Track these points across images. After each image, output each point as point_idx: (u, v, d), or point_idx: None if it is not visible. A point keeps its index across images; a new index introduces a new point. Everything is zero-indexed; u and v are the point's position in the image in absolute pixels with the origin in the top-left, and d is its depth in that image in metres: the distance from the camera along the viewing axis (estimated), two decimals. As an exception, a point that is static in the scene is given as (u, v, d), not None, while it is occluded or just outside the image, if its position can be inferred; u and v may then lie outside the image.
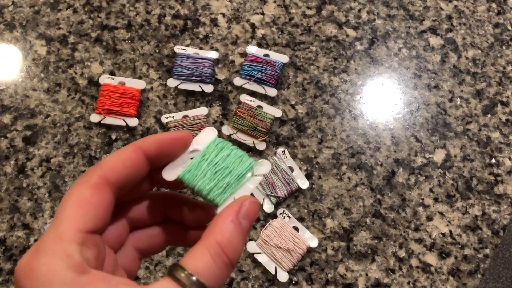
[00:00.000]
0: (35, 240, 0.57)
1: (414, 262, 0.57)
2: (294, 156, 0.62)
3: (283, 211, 0.58)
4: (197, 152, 0.29)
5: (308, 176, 0.61)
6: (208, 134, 0.30)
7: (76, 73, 0.66)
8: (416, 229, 0.59)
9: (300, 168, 0.61)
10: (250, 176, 0.29)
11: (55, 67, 0.66)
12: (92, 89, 0.65)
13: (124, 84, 0.64)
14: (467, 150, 0.63)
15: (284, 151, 0.61)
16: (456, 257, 0.57)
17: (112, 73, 0.66)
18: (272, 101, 0.65)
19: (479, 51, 0.70)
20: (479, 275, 0.57)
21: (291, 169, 0.60)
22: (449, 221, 0.59)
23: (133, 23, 0.69)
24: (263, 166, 0.29)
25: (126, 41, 0.68)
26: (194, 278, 0.23)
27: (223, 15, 0.71)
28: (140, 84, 0.65)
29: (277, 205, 0.59)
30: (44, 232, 0.25)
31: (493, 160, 0.63)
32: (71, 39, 0.68)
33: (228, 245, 0.25)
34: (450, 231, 0.59)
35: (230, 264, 0.25)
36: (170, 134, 0.28)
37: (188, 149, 0.29)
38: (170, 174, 0.29)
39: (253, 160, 0.29)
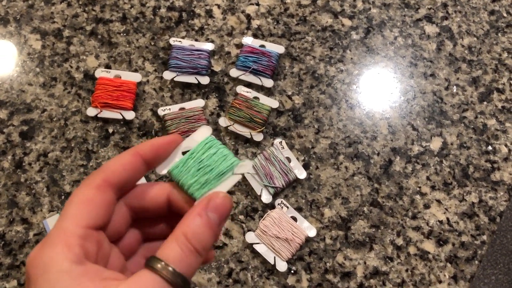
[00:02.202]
0: (34, 235, 0.57)
1: (412, 249, 0.57)
2: (291, 147, 0.62)
3: (281, 201, 0.58)
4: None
5: (306, 166, 0.61)
6: (203, 133, 0.33)
7: (71, 67, 0.66)
8: (414, 217, 0.59)
9: (297, 159, 0.61)
10: (230, 175, 0.31)
11: (50, 61, 0.66)
12: (88, 82, 0.65)
13: (120, 77, 0.64)
14: (463, 137, 0.63)
15: (281, 141, 0.61)
16: (453, 244, 0.58)
17: (107, 67, 0.66)
18: (268, 92, 0.65)
19: (475, 39, 0.70)
20: (476, 262, 0.57)
21: (289, 159, 0.61)
22: (446, 209, 0.59)
23: (128, 15, 0.69)
24: (244, 166, 0.32)
25: (121, 34, 0.68)
26: (170, 268, 0.26)
27: (218, 6, 0.70)
28: (136, 77, 0.65)
29: (275, 196, 0.59)
30: (51, 229, 0.27)
31: (490, 147, 0.63)
32: (66, 33, 0.68)
33: (192, 235, 0.27)
34: (448, 219, 0.59)
35: (196, 252, 0.27)
36: (163, 138, 0.32)
37: (181, 147, 0.32)
38: (161, 168, 0.32)
39: (236, 159, 0.32)
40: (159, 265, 0.26)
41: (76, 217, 0.27)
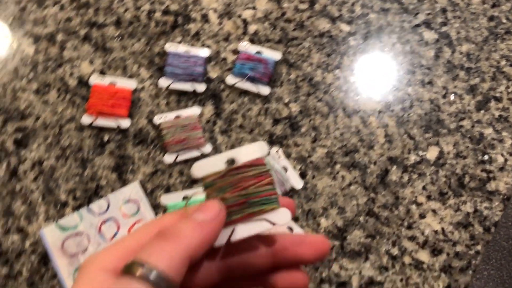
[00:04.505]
0: (30, 245, 0.57)
1: (407, 259, 0.58)
2: (288, 155, 0.62)
3: (278, 211, 0.58)
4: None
5: (302, 175, 0.61)
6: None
7: (65, 72, 0.65)
8: (409, 227, 0.59)
9: (294, 168, 0.61)
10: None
11: (43, 67, 0.65)
12: (82, 89, 0.64)
13: (115, 84, 0.63)
14: (460, 147, 0.63)
15: (277, 150, 0.61)
16: (448, 254, 0.58)
17: (102, 72, 0.65)
18: (265, 99, 0.65)
19: (473, 45, 0.69)
20: (470, 272, 0.58)
21: (285, 169, 0.60)
22: (441, 219, 0.60)
23: (122, 20, 0.68)
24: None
25: (116, 39, 0.67)
26: (154, 271, 0.24)
27: (214, 10, 0.69)
28: (131, 84, 0.64)
29: (271, 206, 0.59)
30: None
31: (486, 157, 0.63)
32: (59, 37, 0.67)
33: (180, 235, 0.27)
34: (443, 228, 0.59)
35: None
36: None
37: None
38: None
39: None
40: (140, 269, 0.24)
41: (139, 234, 0.27)
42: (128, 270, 0.24)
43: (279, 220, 0.27)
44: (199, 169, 0.28)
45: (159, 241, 0.25)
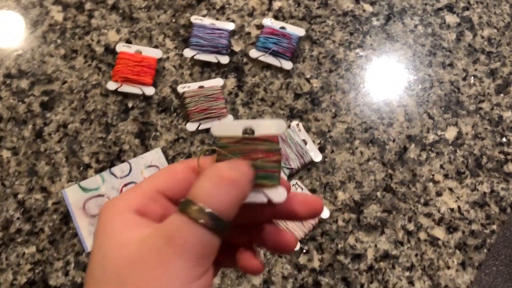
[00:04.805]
0: (53, 204, 0.58)
1: (422, 235, 0.58)
2: (308, 130, 0.63)
3: (296, 182, 0.59)
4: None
5: (321, 149, 0.62)
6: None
7: (92, 40, 0.66)
8: (426, 204, 0.60)
9: (313, 142, 0.62)
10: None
11: (71, 33, 0.66)
12: (108, 56, 0.65)
13: (141, 53, 0.65)
14: (478, 128, 0.64)
15: (298, 124, 0.62)
16: (463, 232, 0.59)
17: (128, 41, 0.66)
18: (287, 74, 0.65)
19: (495, 30, 0.70)
20: (485, 250, 0.58)
21: (305, 142, 0.61)
22: (458, 197, 0.60)
23: (150, -9, 0.69)
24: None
25: (143, 10, 0.68)
26: (205, 209, 0.25)
27: (240, -14, 0.70)
28: (156, 53, 0.65)
29: (290, 177, 0.60)
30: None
31: (504, 139, 0.63)
32: (88, 5, 0.68)
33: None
34: (459, 207, 0.60)
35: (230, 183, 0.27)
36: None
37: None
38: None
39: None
40: (193, 207, 0.24)
41: (154, 180, 0.28)
42: (184, 208, 0.24)
43: (275, 197, 0.28)
44: (218, 129, 0.29)
45: (214, 182, 0.25)
